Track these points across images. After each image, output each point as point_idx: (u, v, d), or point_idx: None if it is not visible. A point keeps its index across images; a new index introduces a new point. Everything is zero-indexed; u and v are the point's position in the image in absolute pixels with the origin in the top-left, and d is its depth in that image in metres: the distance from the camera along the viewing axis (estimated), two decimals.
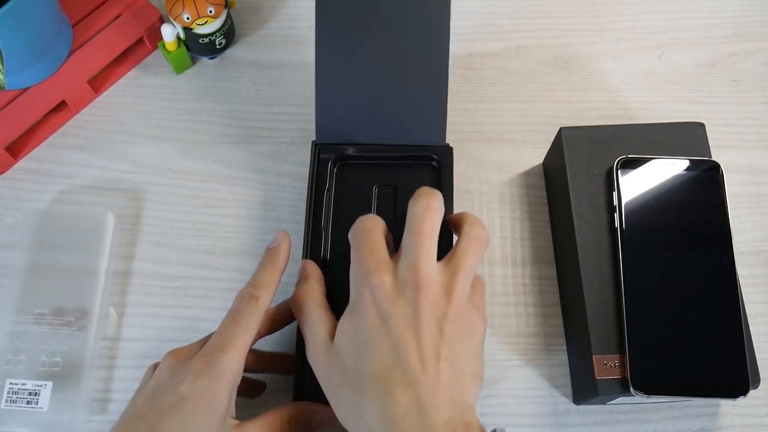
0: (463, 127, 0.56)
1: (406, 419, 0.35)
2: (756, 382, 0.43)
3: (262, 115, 0.58)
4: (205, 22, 0.54)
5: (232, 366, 0.38)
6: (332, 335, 0.39)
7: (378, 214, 0.48)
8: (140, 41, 0.58)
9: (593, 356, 0.44)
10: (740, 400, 0.42)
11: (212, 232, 0.53)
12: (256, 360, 0.45)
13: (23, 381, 0.47)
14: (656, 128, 0.50)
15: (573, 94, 0.58)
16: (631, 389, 0.42)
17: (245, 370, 0.40)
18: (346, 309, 0.40)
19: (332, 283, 0.45)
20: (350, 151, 0.49)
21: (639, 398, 0.42)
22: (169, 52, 0.56)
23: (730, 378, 0.42)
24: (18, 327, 0.48)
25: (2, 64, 0.52)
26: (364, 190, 0.49)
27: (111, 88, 0.59)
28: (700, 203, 0.47)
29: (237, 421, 0.39)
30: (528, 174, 0.55)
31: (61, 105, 0.56)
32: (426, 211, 0.40)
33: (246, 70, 0.59)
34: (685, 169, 0.48)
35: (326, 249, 0.47)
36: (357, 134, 0.49)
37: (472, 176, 0.55)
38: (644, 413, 0.48)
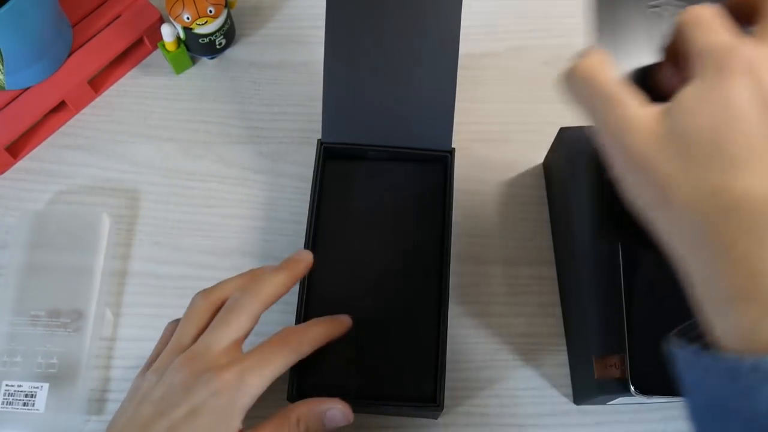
0: (463, 127, 0.56)
1: None
2: None
3: (262, 115, 0.57)
4: (205, 22, 0.54)
5: (259, 390, 0.37)
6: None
7: (380, 215, 0.48)
8: (140, 41, 0.58)
9: (593, 356, 0.43)
10: None
11: (212, 232, 0.53)
12: None
13: (19, 383, 0.47)
14: None
15: None
16: (631, 389, 0.42)
17: None
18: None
19: (334, 285, 0.45)
20: (355, 151, 0.49)
21: (639, 398, 0.42)
22: (169, 52, 0.56)
23: None
24: (14, 328, 0.48)
25: (2, 64, 0.52)
26: (368, 190, 0.49)
27: (111, 88, 0.59)
28: None
29: (242, 427, 0.37)
30: (528, 174, 0.55)
31: (61, 105, 0.56)
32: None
33: (246, 70, 0.59)
34: None
35: (328, 248, 0.47)
36: (363, 135, 0.49)
37: (472, 176, 0.55)
38: (644, 413, 0.48)
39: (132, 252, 0.53)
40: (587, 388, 0.45)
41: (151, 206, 0.54)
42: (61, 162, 0.56)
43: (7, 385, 0.47)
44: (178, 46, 0.56)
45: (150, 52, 0.60)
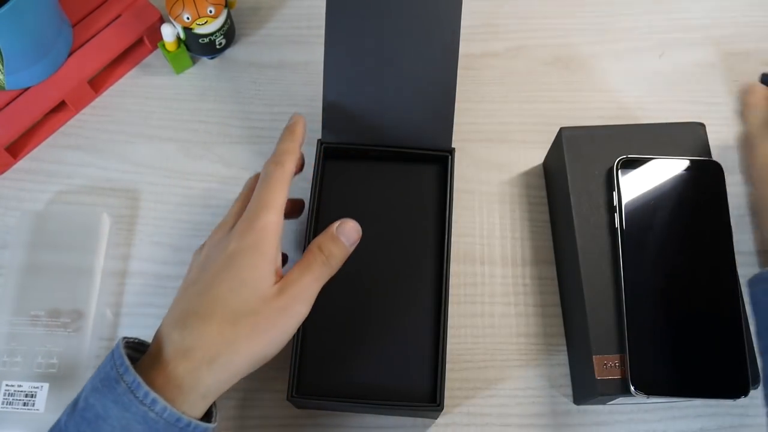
0: (463, 127, 0.56)
1: None
2: (756, 382, 0.43)
3: (262, 115, 0.57)
4: (205, 22, 0.54)
5: (273, 218, 0.41)
6: None
7: (381, 214, 0.48)
8: (140, 41, 0.58)
9: (593, 356, 0.43)
10: (740, 400, 0.42)
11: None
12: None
13: (20, 383, 0.47)
14: (656, 128, 0.50)
15: (573, 94, 0.58)
16: (631, 389, 0.42)
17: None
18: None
19: (334, 284, 0.45)
20: (355, 151, 0.49)
21: (639, 398, 0.42)
22: (169, 52, 0.56)
23: (730, 378, 0.42)
24: (14, 329, 0.48)
25: (2, 64, 0.52)
26: (368, 190, 0.49)
27: (111, 88, 0.59)
28: (700, 203, 0.47)
29: (282, 276, 0.40)
30: (528, 174, 0.55)
31: (61, 105, 0.56)
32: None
33: (246, 70, 0.59)
34: (686, 169, 0.48)
35: None
36: (363, 134, 0.49)
37: (472, 176, 0.55)
38: (644, 413, 0.48)
39: (132, 252, 0.53)
40: (587, 388, 0.45)
41: (151, 206, 0.54)
42: (61, 162, 0.56)
43: (7, 385, 0.47)
44: (178, 46, 0.56)
45: (150, 52, 0.60)
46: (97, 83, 0.58)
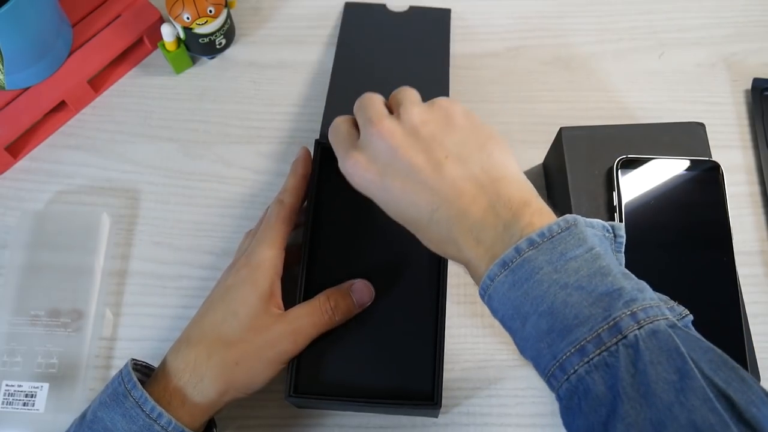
0: None
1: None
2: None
3: (262, 115, 0.58)
4: (205, 22, 0.54)
5: (267, 255, 0.44)
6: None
7: (379, 215, 0.48)
8: (140, 41, 0.58)
9: None
10: None
11: (212, 232, 0.53)
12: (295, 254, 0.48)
13: (20, 383, 0.47)
14: (656, 128, 0.50)
15: (573, 94, 0.58)
16: None
17: (290, 264, 0.46)
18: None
19: (333, 284, 0.45)
20: None
21: None
22: (169, 52, 0.56)
23: None
24: (14, 328, 0.48)
25: (2, 64, 0.52)
26: None
27: (111, 88, 0.59)
28: (700, 203, 0.47)
29: (281, 311, 0.43)
30: (528, 174, 0.55)
31: (61, 105, 0.56)
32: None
33: (246, 70, 0.59)
34: (685, 169, 0.48)
35: (327, 248, 0.47)
36: None
37: None
38: None
39: (132, 252, 0.53)
40: None
41: (151, 206, 0.54)
42: (61, 162, 0.56)
43: (7, 385, 0.47)
44: (178, 46, 0.56)
45: (150, 52, 0.60)
46: (97, 83, 0.58)
